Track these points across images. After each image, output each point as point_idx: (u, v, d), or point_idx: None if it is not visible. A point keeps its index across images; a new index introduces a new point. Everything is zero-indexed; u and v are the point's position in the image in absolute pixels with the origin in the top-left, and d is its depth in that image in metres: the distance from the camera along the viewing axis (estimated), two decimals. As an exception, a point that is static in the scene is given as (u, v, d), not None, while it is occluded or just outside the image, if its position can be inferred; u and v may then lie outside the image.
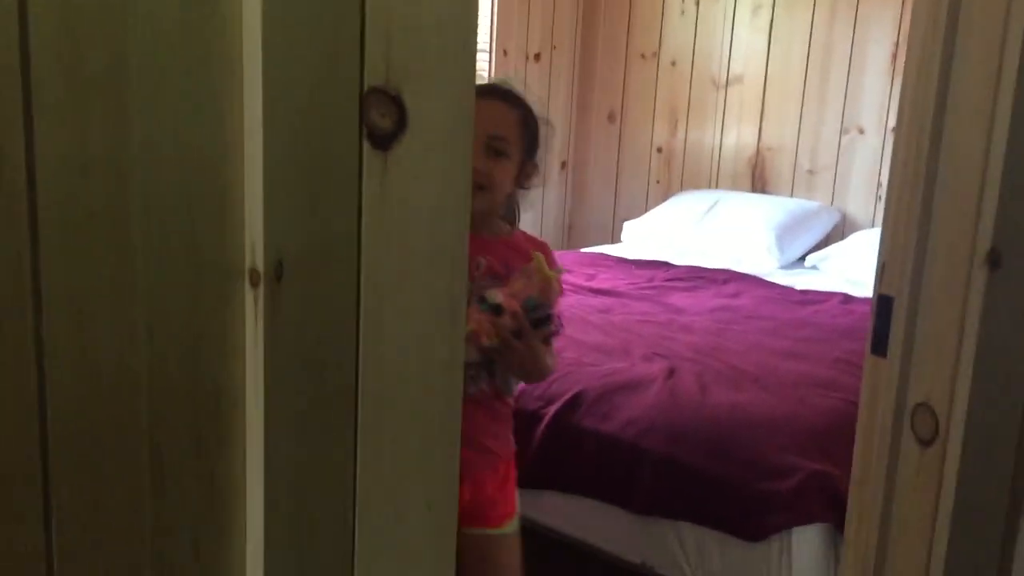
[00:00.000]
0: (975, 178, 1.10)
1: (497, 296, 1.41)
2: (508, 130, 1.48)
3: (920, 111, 1.15)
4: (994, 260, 1.09)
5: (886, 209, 1.27)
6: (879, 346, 1.22)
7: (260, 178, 0.59)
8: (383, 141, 0.68)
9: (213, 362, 0.60)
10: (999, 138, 1.08)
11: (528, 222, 4.31)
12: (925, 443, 1.17)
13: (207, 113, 0.58)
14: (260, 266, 0.60)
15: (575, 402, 2.08)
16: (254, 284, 0.60)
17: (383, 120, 0.68)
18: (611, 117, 4.28)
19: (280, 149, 0.60)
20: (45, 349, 0.52)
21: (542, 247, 1.56)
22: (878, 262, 1.25)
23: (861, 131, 3.62)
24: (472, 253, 1.25)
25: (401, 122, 0.69)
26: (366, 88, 0.66)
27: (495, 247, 1.52)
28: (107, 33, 0.52)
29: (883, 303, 1.22)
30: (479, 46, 3.80)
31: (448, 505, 0.75)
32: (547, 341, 1.48)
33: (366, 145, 0.67)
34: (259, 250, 0.60)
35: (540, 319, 1.43)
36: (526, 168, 1.53)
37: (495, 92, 1.53)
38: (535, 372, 1.49)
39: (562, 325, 1.52)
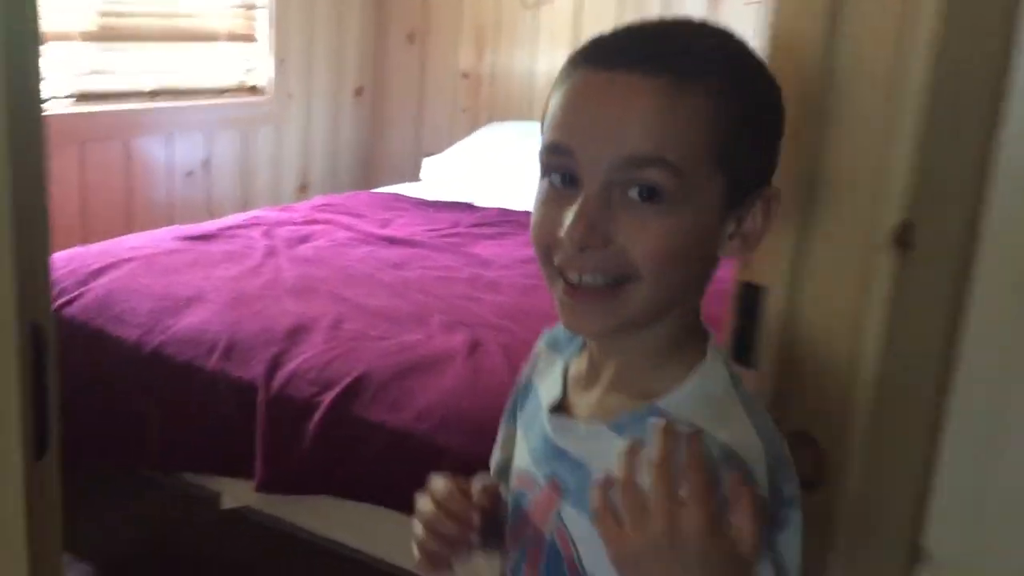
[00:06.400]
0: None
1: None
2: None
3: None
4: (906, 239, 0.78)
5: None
6: (743, 352, 0.90)
7: None
8: None
9: None
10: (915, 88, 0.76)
11: (319, 160, 3.80)
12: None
13: None
14: None
15: (357, 387, 1.69)
16: None
17: None
18: (410, 37, 3.83)
19: None
20: None
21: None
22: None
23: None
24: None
25: None
26: None
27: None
28: None
29: (748, 293, 0.90)
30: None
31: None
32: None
33: None
34: None
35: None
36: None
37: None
38: None
39: None
